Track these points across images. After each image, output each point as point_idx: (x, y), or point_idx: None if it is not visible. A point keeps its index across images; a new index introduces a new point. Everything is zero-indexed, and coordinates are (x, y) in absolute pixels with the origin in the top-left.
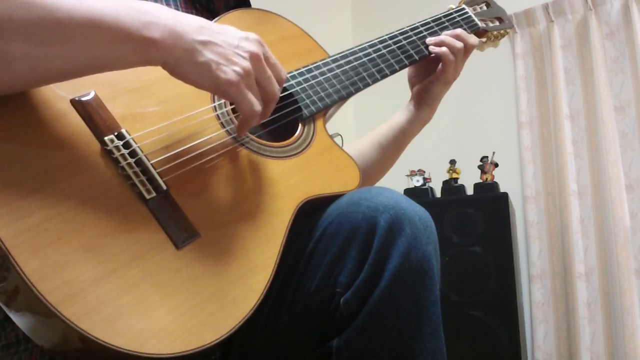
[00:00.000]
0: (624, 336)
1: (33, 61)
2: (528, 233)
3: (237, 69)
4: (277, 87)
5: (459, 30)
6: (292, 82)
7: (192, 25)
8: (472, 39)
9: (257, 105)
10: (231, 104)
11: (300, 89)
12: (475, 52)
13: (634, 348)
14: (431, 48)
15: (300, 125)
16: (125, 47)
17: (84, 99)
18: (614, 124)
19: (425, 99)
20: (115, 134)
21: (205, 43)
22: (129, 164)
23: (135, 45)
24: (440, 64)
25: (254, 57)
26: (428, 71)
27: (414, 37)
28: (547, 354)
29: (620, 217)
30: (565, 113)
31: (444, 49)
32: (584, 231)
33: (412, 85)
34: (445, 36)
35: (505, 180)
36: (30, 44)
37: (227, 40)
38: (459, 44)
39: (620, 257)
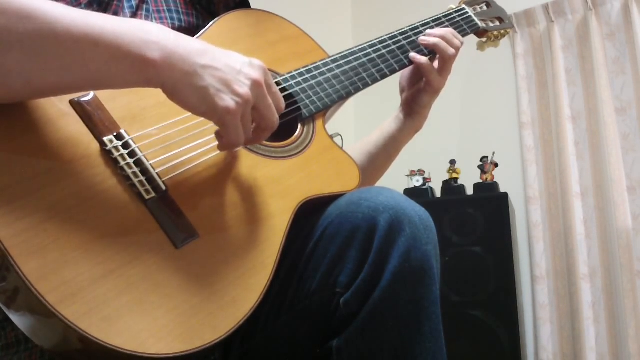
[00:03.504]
0: (628, 337)
1: (28, 74)
2: (531, 234)
3: (237, 98)
4: (276, 117)
5: (446, 33)
6: (292, 82)
7: (194, 48)
8: (458, 41)
9: (242, 138)
10: None
11: (299, 89)
12: (475, 52)
13: (639, 349)
14: (412, 56)
15: (299, 125)
16: (123, 65)
17: (83, 99)
18: (615, 125)
19: (414, 108)
20: (115, 134)
21: (206, 67)
22: (128, 164)
23: (133, 64)
24: (425, 74)
25: (255, 84)
26: (419, 77)
27: (414, 38)
28: (552, 354)
29: (623, 218)
30: (567, 114)
31: (423, 59)
32: (587, 232)
33: (401, 91)
34: (438, 40)
35: (506, 180)
36: (26, 56)
37: (230, 64)
38: (451, 51)
39: (623, 258)
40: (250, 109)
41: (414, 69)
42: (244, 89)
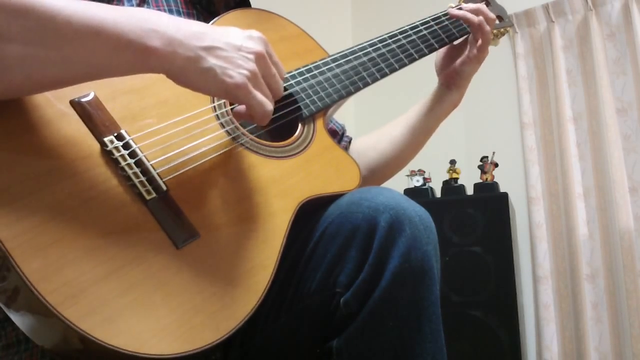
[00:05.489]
0: (631, 337)
1: (29, 67)
2: (533, 234)
3: (243, 71)
4: (281, 85)
5: (480, 5)
6: (292, 82)
7: (193, 31)
8: (491, 13)
9: (269, 104)
10: (231, 104)
11: (300, 88)
12: None
13: None
14: (469, 15)
15: (300, 125)
16: (124, 55)
17: (83, 99)
18: (616, 126)
19: (456, 80)
20: (115, 134)
21: (208, 49)
22: (128, 165)
23: (135, 53)
24: (479, 41)
25: (259, 57)
26: (454, 57)
27: (414, 37)
28: (555, 354)
29: (625, 219)
30: (569, 115)
31: (481, 18)
32: (589, 233)
33: (439, 71)
34: (478, 5)
35: (506, 180)
36: (27, 48)
37: (231, 42)
38: (492, 15)
39: (625, 259)
40: (261, 80)
41: (448, 51)
42: (249, 63)
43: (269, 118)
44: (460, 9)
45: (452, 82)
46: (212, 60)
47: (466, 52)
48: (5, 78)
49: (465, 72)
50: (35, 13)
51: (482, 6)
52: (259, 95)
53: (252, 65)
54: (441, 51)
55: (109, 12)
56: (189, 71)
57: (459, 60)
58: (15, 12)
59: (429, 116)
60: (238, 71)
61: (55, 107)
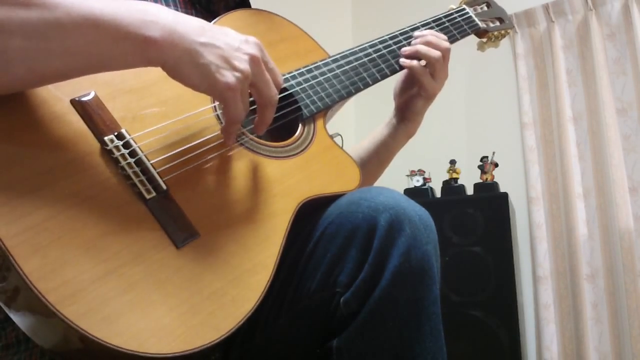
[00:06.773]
0: (631, 337)
1: (31, 60)
2: (533, 234)
3: (237, 73)
4: (275, 91)
5: (429, 37)
6: (292, 82)
7: (192, 26)
8: (445, 43)
9: (243, 112)
10: None
11: (300, 89)
12: (476, 53)
13: None
14: (402, 61)
15: (300, 125)
16: (124, 46)
17: (83, 99)
18: (616, 126)
19: (407, 114)
20: (115, 133)
21: (205, 45)
22: (128, 164)
23: (134, 44)
24: (417, 78)
25: (253, 61)
26: (413, 83)
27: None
28: (555, 354)
29: (625, 219)
30: (569, 115)
31: (414, 62)
32: (589, 233)
33: (395, 97)
34: (419, 46)
35: (506, 180)
36: (28, 42)
37: (228, 42)
38: (435, 53)
39: (625, 259)
40: (247, 85)
41: (407, 75)
42: (243, 65)
43: (239, 125)
44: (463, 9)
45: (403, 115)
46: (208, 57)
47: (418, 84)
48: (7, 71)
49: (416, 107)
50: (36, 6)
51: (430, 39)
52: (240, 103)
53: (246, 67)
54: (401, 75)
55: (108, 3)
56: (184, 64)
57: (410, 92)
58: (15, 5)
59: (382, 149)
60: (231, 72)
61: (55, 106)
